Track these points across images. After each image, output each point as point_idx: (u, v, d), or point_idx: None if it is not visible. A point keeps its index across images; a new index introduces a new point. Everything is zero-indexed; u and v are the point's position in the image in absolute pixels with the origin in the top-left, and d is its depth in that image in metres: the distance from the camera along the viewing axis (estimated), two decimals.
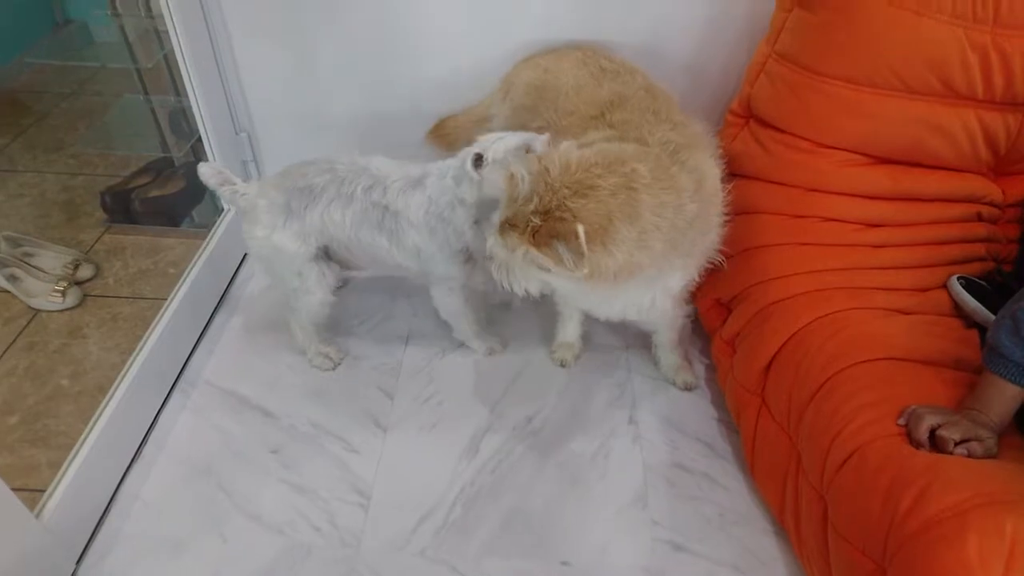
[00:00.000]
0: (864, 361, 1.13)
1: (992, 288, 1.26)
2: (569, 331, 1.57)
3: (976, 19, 1.22)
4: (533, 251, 1.00)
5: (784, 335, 1.23)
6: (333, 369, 1.57)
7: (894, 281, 1.28)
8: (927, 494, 0.89)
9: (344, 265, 1.56)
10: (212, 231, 1.76)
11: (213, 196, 1.87)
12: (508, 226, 1.03)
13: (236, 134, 1.81)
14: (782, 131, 1.35)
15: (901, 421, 1.02)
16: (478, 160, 1.23)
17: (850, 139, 1.31)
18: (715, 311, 1.46)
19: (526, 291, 1.13)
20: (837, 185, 1.31)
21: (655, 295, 1.23)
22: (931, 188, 1.34)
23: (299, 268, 1.39)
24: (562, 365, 1.58)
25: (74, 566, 1.19)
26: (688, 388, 1.53)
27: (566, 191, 0.99)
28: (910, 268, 1.30)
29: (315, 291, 1.42)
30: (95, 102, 2.58)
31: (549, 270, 1.02)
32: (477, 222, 1.30)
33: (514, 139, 1.22)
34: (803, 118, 1.32)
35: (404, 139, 1.67)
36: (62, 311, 1.72)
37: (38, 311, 1.71)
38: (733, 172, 1.43)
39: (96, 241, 1.94)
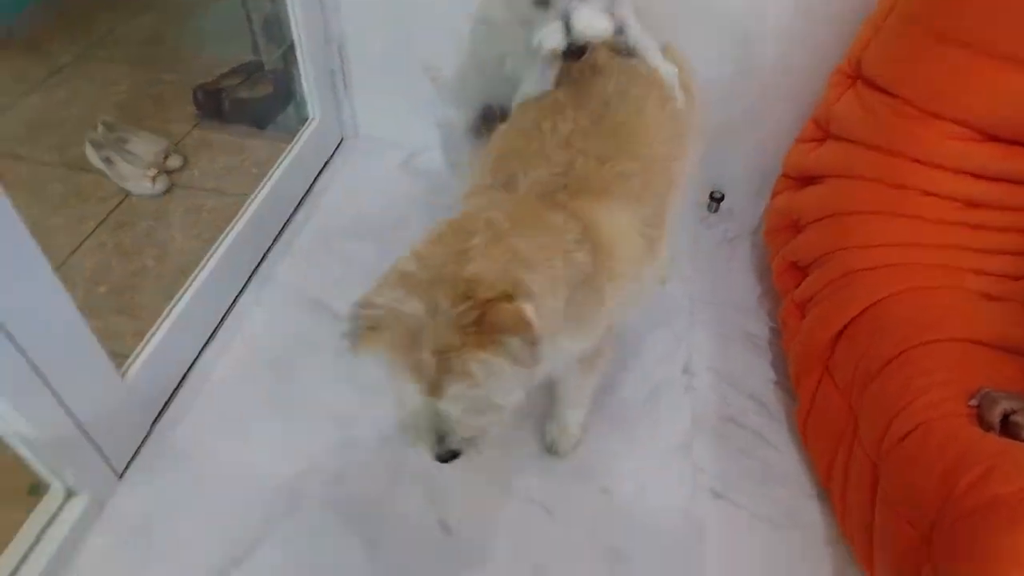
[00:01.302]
0: (944, 340, 1.10)
1: None
2: None
3: None
4: (487, 358, 0.78)
5: (862, 304, 1.20)
6: None
7: (988, 265, 1.23)
8: (992, 475, 0.87)
9: None
10: (297, 136, 1.80)
11: (298, 104, 1.91)
12: (439, 354, 0.77)
13: (327, 43, 1.82)
14: (892, 95, 1.28)
15: (973, 402, 1.00)
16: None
17: (964, 111, 1.24)
18: (790, 274, 1.44)
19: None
20: (942, 158, 1.25)
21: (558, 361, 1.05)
22: None
23: None
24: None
25: (150, 426, 1.28)
26: (558, 454, 1.30)
27: (453, 268, 0.80)
28: (1007, 254, 1.24)
29: None
30: (193, 3, 2.62)
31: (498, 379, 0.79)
32: None
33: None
34: (917, 83, 1.25)
35: None
36: (151, 197, 1.80)
37: (129, 194, 1.80)
38: (833, 134, 1.38)
39: (186, 135, 2.01)
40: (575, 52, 0.99)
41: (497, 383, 0.80)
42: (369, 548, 1.16)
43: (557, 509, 1.23)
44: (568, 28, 0.96)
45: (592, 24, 0.98)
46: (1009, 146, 1.25)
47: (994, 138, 1.25)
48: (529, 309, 0.77)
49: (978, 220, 1.26)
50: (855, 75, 1.37)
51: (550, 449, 1.30)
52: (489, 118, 1.30)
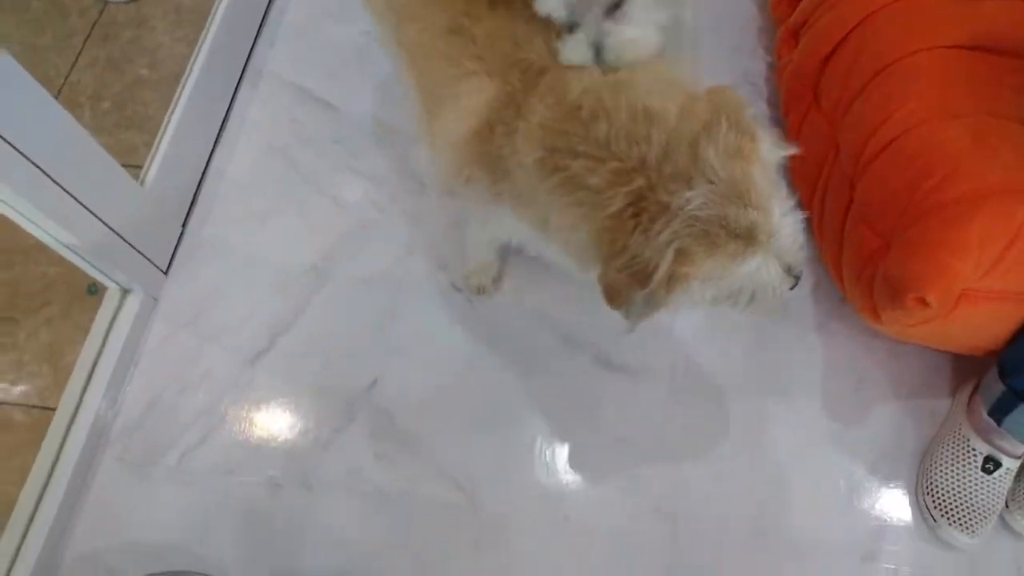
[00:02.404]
0: (929, 48, 1.06)
1: None
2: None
3: None
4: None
5: (852, 22, 1.15)
6: None
7: None
8: (951, 178, 0.91)
9: None
10: None
11: None
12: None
13: None
14: None
15: None
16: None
17: None
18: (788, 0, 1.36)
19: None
20: None
21: None
22: None
23: None
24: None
25: (181, 227, 1.40)
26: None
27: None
28: None
29: None
30: None
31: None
32: None
33: None
34: None
35: None
36: (127, 2, 1.75)
37: (106, 3, 1.75)
38: None
39: None
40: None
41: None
42: (389, 312, 1.31)
43: None
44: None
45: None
46: None
47: None
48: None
49: None
50: None
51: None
52: None
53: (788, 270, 0.74)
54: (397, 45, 1.01)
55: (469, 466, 1.18)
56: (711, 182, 0.68)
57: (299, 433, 1.22)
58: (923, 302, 0.88)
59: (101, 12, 1.74)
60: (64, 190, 1.09)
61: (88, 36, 1.71)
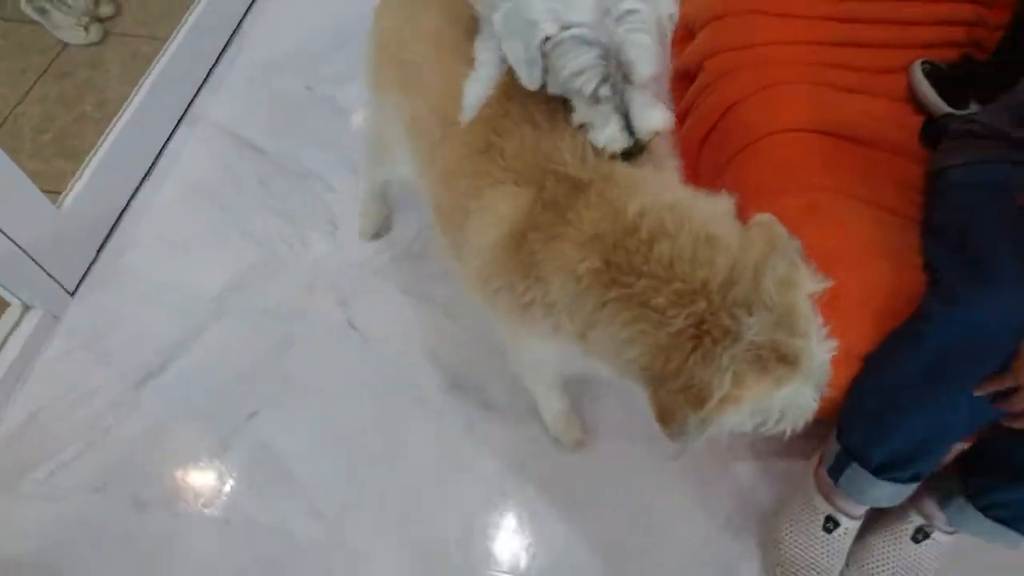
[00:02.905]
0: (788, 130, 1.16)
1: (959, 76, 1.23)
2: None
3: None
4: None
5: (722, 109, 1.26)
6: None
7: (854, 60, 1.26)
8: None
9: None
10: None
11: None
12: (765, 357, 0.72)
13: None
14: None
15: None
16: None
17: None
18: (680, 83, 1.48)
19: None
20: None
21: None
22: None
23: None
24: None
25: (96, 252, 1.45)
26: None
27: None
28: (874, 47, 1.27)
29: None
30: None
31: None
32: None
33: None
34: None
35: None
36: (87, 45, 1.86)
37: (66, 44, 1.86)
38: None
39: None
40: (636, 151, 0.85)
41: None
42: (283, 346, 1.35)
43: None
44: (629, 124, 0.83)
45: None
46: None
47: None
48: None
49: (848, 12, 1.27)
50: None
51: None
52: None
53: (818, 389, 0.78)
54: (424, 165, 1.01)
55: (339, 501, 1.20)
56: (769, 309, 0.71)
57: (175, 457, 1.24)
58: None
59: (59, 53, 1.85)
60: None
61: (43, 73, 1.81)
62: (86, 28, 1.85)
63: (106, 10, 1.92)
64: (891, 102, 1.24)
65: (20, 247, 1.26)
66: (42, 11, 1.86)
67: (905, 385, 0.93)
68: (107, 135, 1.49)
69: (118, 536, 1.16)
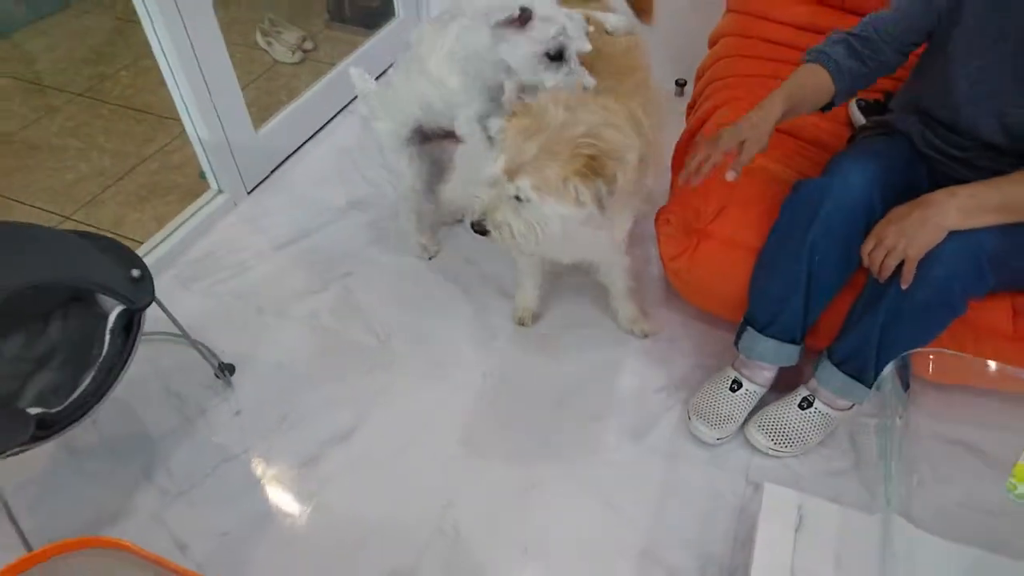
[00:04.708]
0: None
1: (879, 108, 1.67)
2: (529, 293, 1.67)
3: None
4: (576, 183, 1.01)
5: (710, 111, 1.77)
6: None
7: None
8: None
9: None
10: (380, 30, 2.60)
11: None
12: (545, 154, 1.00)
13: None
14: None
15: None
16: (524, 15, 1.11)
17: None
18: (686, 146, 2.01)
19: (520, 241, 1.09)
20: (780, 15, 1.80)
21: (603, 239, 1.36)
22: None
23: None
24: (522, 324, 1.68)
25: (270, 171, 2.12)
26: (646, 336, 1.65)
27: (596, 120, 1.04)
28: None
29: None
30: None
31: (572, 207, 1.04)
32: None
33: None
34: None
35: None
36: (291, 64, 2.68)
37: (276, 61, 2.69)
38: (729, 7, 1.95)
39: (320, 31, 2.88)
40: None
41: (557, 203, 1.04)
42: (373, 238, 1.91)
43: None
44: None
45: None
46: (831, 8, 1.77)
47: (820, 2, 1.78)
48: (621, 174, 1.05)
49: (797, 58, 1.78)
50: None
51: (641, 335, 1.65)
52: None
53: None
54: None
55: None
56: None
57: (291, 290, 1.80)
58: (668, 222, 1.39)
59: (271, 67, 2.66)
60: (217, 113, 1.84)
61: (260, 76, 2.62)
62: (293, 52, 2.67)
63: (308, 45, 2.76)
64: (834, 123, 1.71)
65: (230, 146, 1.93)
66: (269, 43, 2.72)
67: (767, 249, 1.34)
68: (291, 104, 2.21)
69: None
